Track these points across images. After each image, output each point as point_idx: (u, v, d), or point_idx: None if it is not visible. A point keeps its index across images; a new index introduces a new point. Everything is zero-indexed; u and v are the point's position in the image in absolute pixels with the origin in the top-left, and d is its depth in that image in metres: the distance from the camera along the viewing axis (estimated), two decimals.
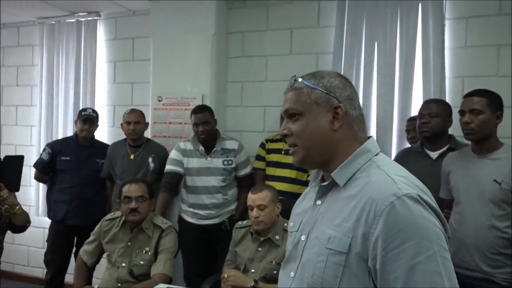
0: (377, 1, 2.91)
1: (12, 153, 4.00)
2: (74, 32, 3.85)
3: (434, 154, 2.35)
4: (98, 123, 3.37)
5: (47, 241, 3.34)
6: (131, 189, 2.38)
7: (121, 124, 3.18)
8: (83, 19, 3.82)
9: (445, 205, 2.16)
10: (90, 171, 3.25)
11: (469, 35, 2.75)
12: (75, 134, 3.33)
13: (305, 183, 2.87)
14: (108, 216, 2.51)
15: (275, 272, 2.15)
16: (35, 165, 3.33)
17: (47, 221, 3.44)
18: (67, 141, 3.37)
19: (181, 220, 3.03)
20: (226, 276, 2.18)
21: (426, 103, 2.40)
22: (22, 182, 3.91)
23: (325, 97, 0.99)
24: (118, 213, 2.48)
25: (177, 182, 2.95)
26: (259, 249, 2.27)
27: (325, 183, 1.01)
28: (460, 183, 2.06)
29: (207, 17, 3.20)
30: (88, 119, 3.22)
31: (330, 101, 0.99)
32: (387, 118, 2.90)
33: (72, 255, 3.29)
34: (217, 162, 2.94)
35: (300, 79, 1.02)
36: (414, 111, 2.80)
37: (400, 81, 2.88)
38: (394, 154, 2.82)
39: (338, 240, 0.90)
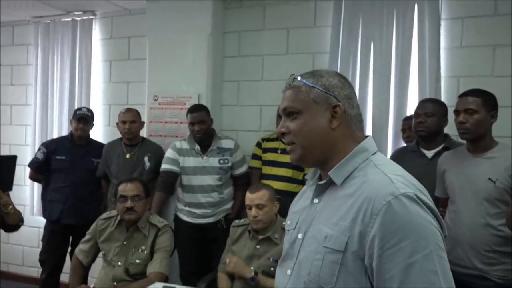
0: (373, 1, 2.93)
1: (7, 153, 3.99)
2: (70, 31, 3.83)
3: (429, 153, 2.36)
4: (94, 122, 3.36)
5: (42, 240, 3.33)
6: (127, 188, 2.38)
7: (117, 123, 3.17)
8: (78, 18, 3.81)
9: (441, 204, 2.18)
10: (86, 171, 3.24)
11: (464, 35, 2.77)
12: (71, 134, 3.32)
13: (301, 182, 2.88)
14: (104, 215, 2.50)
15: (272, 269, 2.16)
16: (30, 165, 3.31)
17: (42, 221, 3.42)
18: (62, 140, 3.35)
19: (177, 219, 3.03)
20: (227, 261, 2.19)
21: (422, 103, 2.41)
22: (16, 182, 3.91)
23: (323, 96, 0.99)
24: (114, 212, 2.47)
25: (173, 181, 2.95)
26: (257, 247, 2.27)
27: (322, 182, 1.01)
28: (455, 181, 2.07)
29: (204, 16, 3.20)
30: (82, 118, 3.21)
31: (329, 100, 0.99)
32: (382, 118, 2.91)
33: (68, 254, 3.27)
34: (213, 161, 2.94)
35: (299, 78, 1.02)
36: (410, 110, 2.81)
37: (396, 80, 2.89)
38: (389, 153, 2.83)
39: (335, 239, 0.90)
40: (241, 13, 3.33)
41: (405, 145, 2.71)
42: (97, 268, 2.49)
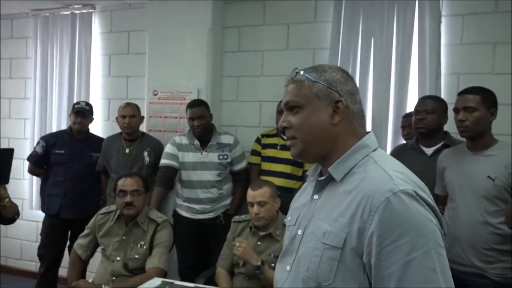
0: None
1: (6, 146, 3.98)
2: (69, 25, 3.81)
3: (429, 151, 2.36)
4: (93, 116, 3.35)
5: (40, 234, 3.33)
6: (126, 183, 2.37)
7: (116, 118, 3.17)
8: (78, 12, 3.78)
9: (440, 201, 2.18)
10: (85, 165, 3.23)
11: (465, 32, 2.76)
12: (70, 128, 3.31)
13: (300, 178, 2.88)
14: (103, 210, 2.50)
15: (273, 265, 2.16)
16: (29, 158, 3.31)
17: (41, 215, 3.42)
18: (62, 134, 3.35)
19: (176, 215, 3.03)
20: (237, 244, 2.19)
21: (422, 100, 2.41)
22: (15, 175, 3.95)
23: (326, 90, 0.98)
24: (113, 207, 2.47)
25: (172, 176, 2.95)
26: (259, 243, 2.28)
27: (322, 178, 1.01)
28: (454, 179, 2.08)
29: (204, 11, 3.18)
30: (80, 112, 3.20)
31: (331, 95, 0.98)
32: (382, 114, 2.91)
33: (66, 248, 3.28)
34: (212, 156, 2.94)
35: (301, 72, 1.01)
36: (410, 107, 2.81)
37: (396, 77, 2.88)
38: (389, 150, 2.83)
39: (334, 235, 0.90)
40: (241, 8, 3.31)
41: (404, 142, 2.72)
42: (96, 262, 2.50)
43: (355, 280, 0.87)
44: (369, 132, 1.02)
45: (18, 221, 3.95)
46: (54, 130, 3.77)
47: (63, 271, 3.12)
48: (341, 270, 0.88)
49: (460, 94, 2.06)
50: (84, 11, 3.76)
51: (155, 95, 3.35)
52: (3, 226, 3.67)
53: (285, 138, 1.05)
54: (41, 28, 3.92)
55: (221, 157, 2.95)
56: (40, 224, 3.38)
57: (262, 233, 2.29)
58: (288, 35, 3.20)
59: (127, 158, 3.09)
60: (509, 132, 2.55)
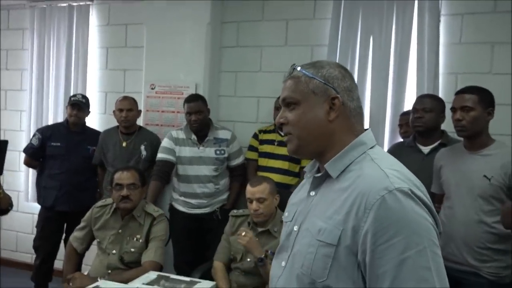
0: None
1: (2, 138, 3.96)
2: (66, 17, 3.78)
3: (425, 149, 2.37)
4: (90, 109, 3.34)
5: (36, 227, 3.33)
6: (122, 177, 2.37)
7: (114, 111, 3.16)
8: (75, 4, 3.76)
9: (436, 200, 2.19)
10: (81, 158, 3.22)
11: (464, 32, 2.76)
12: (66, 120, 3.30)
13: (297, 175, 2.88)
14: (99, 203, 2.50)
15: (269, 261, 2.16)
16: (25, 150, 3.30)
17: (37, 207, 3.41)
18: (58, 126, 3.34)
19: (172, 209, 3.03)
20: (243, 234, 2.17)
21: (421, 98, 2.42)
22: (11, 167, 3.93)
23: (323, 87, 0.98)
24: (109, 200, 2.47)
25: (168, 171, 2.94)
26: (256, 239, 2.27)
27: (318, 174, 1.01)
28: (451, 178, 2.09)
29: (203, 5, 3.17)
30: (76, 104, 3.19)
31: (327, 91, 0.98)
32: (380, 112, 2.92)
33: (62, 241, 3.27)
34: (209, 151, 2.94)
35: (299, 68, 1.01)
36: (407, 105, 2.81)
37: (394, 75, 2.89)
38: (386, 148, 2.84)
39: (328, 232, 0.90)
40: (240, 3, 3.30)
41: (401, 140, 2.72)
42: (92, 255, 2.50)
43: (349, 277, 0.87)
44: (367, 129, 1.02)
45: (14, 213, 3.97)
46: (50, 122, 3.75)
47: (58, 264, 3.12)
48: (335, 268, 0.88)
49: (458, 93, 2.07)
50: (81, 3, 3.74)
51: (152, 89, 3.34)
52: None
53: (282, 134, 1.05)
54: (38, 20, 3.88)
55: (218, 152, 2.95)
56: (36, 216, 3.37)
57: (260, 229, 2.29)
58: (287, 31, 3.19)
59: (124, 152, 3.09)
60: (508, 132, 2.56)
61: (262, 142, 3.00)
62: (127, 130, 3.13)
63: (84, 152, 3.24)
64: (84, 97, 3.31)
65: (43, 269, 3.25)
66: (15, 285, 3.58)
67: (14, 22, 4.09)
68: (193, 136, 2.94)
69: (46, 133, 3.24)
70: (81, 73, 3.74)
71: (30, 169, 3.75)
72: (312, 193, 1.01)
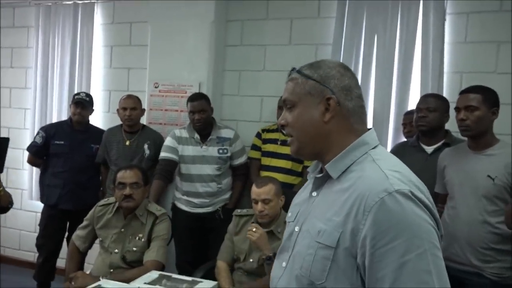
0: None
1: (7, 136, 3.97)
2: (71, 15, 3.78)
3: (429, 149, 2.36)
4: (93, 108, 3.34)
5: (39, 225, 3.33)
6: (125, 175, 2.37)
7: (117, 110, 3.16)
8: (80, 2, 3.76)
9: (440, 200, 2.18)
10: (84, 156, 3.23)
11: (469, 31, 2.74)
12: (70, 118, 3.31)
13: (300, 174, 2.88)
14: (102, 202, 2.50)
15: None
16: (29, 149, 3.30)
17: (40, 205, 3.42)
18: (62, 125, 3.34)
19: (174, 208, 3.03)
20: (253, 230, 2.16)
21: (425, 97, 2.40)
22: (15, 165, 3.95)
23: (319, 87, 0.97)
24: (112, 199, 2.47)
25: (171, 170, 2.94)
26: (266, 236, 2.25)
27: (319, 175, 1.00)
28: (455, 178, 2.07)
29: (207, 3, 3.16)
30: (80, 102, 3.19)
31: (323, 92, 0.97)
32: (384, 111, 2.90)
33: (65, 239, 3.28)
34: (212, 150, 2.93)
35: (296, 69, 1.02)
36: (412, 105, 2.80)
37: (399, 74, 2.87)
38: (389, 147, 2.82)
39: (328, 234, 0.89)
40: (244, 2, 3.29)
41: (405, 140, 2.71)
42: (94, 254, 2.50)
43: (348, 280, 0.86)
44: (370, 129, 1.00)
45: (17, 211, 3.99)
46: (54, 120, 3.75)
47: (61, 262, 3.13)
48: (334, 270, 0.87)
49: (462, 93, 2.06)
50: (86, 1, 3.74)
51: (156, 87, 3.33)
52: (1, 216, 3.68)
53: (285, 133, 1.06)
54: (43, 18, 3.89)
55: (221, 151, 2.94)
56: (39, 215, 3.38)
57: (264, 230, 2.27)
58: (291, 30, 3.18)
59: (127, 151, 3.09)
60: (508, 131, 2.53)
61: (265, 141, 3.00)
62: (130, 128, 3.13)
63: (87, 151, 3.24)
64: (88, 95, 3.32)
65: (46, 267, 3.25)
66: (17, 283, 3.60)
67: (19, 20, 4.10)
68: (196, 135, 2.93)
69: (50, 131, 3.24)
70: (85, 71, 3.75)
71: (34, 167, 3.76)
72: (314, 194, 1.01)
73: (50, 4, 3.86)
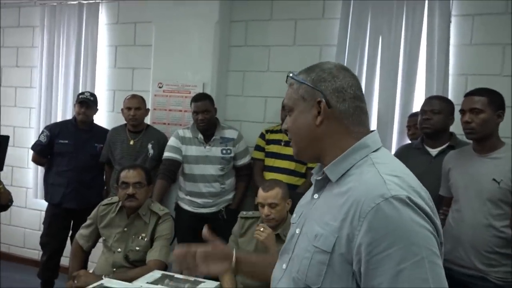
0: None
1: (12, 135, 3.99)
2: (76, 15, 3.80)
3: (433, 151, 2.35)
4: (98, 107, 3.35)
5: (43, 223, 3.35)
6: (129, 175, 2.37)
7: (122, 110, 3.17)
8: (85, 2, 3.78)
9: (445, 203, 2.17)
10: (89, 155, 3.24)
11: (474, 33, 2.73)
12: (74, 118, 3.32)
13: (304, 175, 2.87)
14: (105, 201, 2.50)
15: None
16: (33, 147, 3.32)
17: (44, 204, 3.44)
18: (66, 124, 3.36)
19: (178, 208, 3.03)
20: (262, 229, 2.14)
21: (429, 100, 2.39)
22: (20, 164, 3.97)
23: (311, 91, 0.97)
24: (115, 198, 2.47)
25: (175, 170, 2.94)
26: (274, 236, 2.23)
27: (319, 178, 0.99)
28: (459, 181, 2.06)
29: (211, 4, 3.17)
30: (84, 102, 3.20)
31: (315, 95, 0.96)
32: (388, 113, 2.89)
33: (68, 238, 3.29)
34: (215, 150, 2.93)
35: (291, 75, 1.02)
36: (416, 107, 2.78)
37: (403, 76, 2.86)
38: (394, 149, 2.81)
39: (324, 239, 0.88)
40: (249, 2, 3.29)
41: (409, 142, 2.70)
42: (97, 253, 2.51)
43: (344, 286, 0.85)
44: (373, 131, 0.98)
45: (22, 210, 4.01)
46: (59, 119, 3.77)
47: (65, 261, 3.14)
48: (330, 275, 0.86)
49: (467, 95, 2.04)
50: (91, 1, 3.75)
51: (160, 87, 3.34)
52: (7, 214, 3.70)
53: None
54: (48, 17, 3.91)
55: (224, 151, 2.94)
56: (44, 213, 3.39)
57: None
58: (296, 31, 3.18)
59: (131, 150, 3.09)
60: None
61: (269, 142, 2.99)
62: (134, 128, 3.14)
63: (91, 150, 3.26)
64: (92, 95, 3.33)
65: (50, 265, 3.27)
66: (21, 281, 3.62)
67: (24, 19, 4.12)
68: (200, 135, 2.94)
69: (54, 131, 3.26)
70: (90, 71, 3.76)
71: (39, 166, 3.78)
72: (316, 196, 1.00)
73: (55, 4, 3.88)
